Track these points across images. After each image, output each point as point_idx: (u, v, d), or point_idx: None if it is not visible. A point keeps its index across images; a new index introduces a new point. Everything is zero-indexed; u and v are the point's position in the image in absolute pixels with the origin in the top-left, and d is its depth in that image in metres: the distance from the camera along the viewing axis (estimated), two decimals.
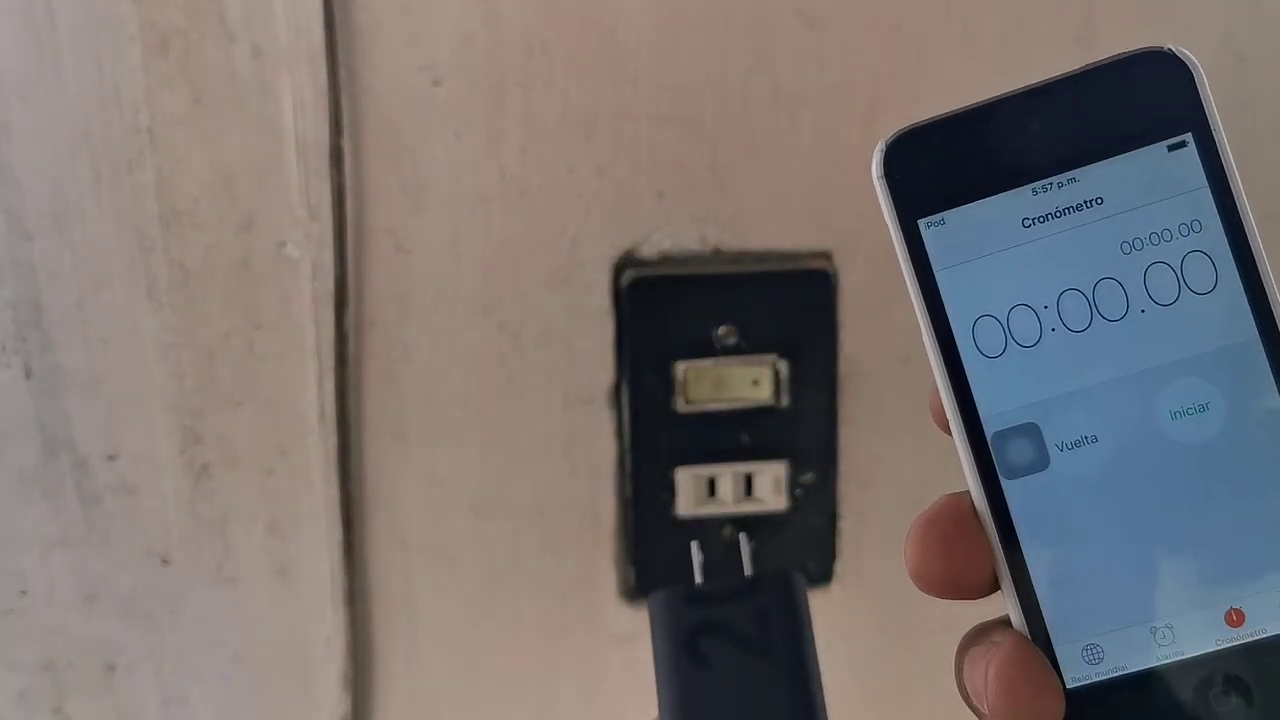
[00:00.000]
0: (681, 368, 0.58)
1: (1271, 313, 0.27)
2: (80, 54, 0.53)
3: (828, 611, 0.62)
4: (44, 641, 0.58)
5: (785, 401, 0.59)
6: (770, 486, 0.60)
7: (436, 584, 0.60)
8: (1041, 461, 0.27)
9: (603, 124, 0.56)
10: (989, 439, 0.28)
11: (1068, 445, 0.27)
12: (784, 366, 0.59)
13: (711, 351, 0.58)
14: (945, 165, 0.28)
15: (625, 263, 0.58)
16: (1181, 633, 0.27)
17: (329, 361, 0.56)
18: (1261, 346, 0.27)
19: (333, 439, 0.57)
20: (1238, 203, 0.27)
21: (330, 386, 0.56)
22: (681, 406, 0.58)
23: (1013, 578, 0.27)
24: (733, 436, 0.59)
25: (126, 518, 0.57)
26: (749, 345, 0.58)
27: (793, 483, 0.60)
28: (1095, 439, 0.27)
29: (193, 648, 0.59)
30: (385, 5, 0.54)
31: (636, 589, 0.60)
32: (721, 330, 0.58)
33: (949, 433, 0.28)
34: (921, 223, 0.28)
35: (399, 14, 0.54)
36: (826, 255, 0.59)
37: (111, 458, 0.57)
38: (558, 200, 0.57)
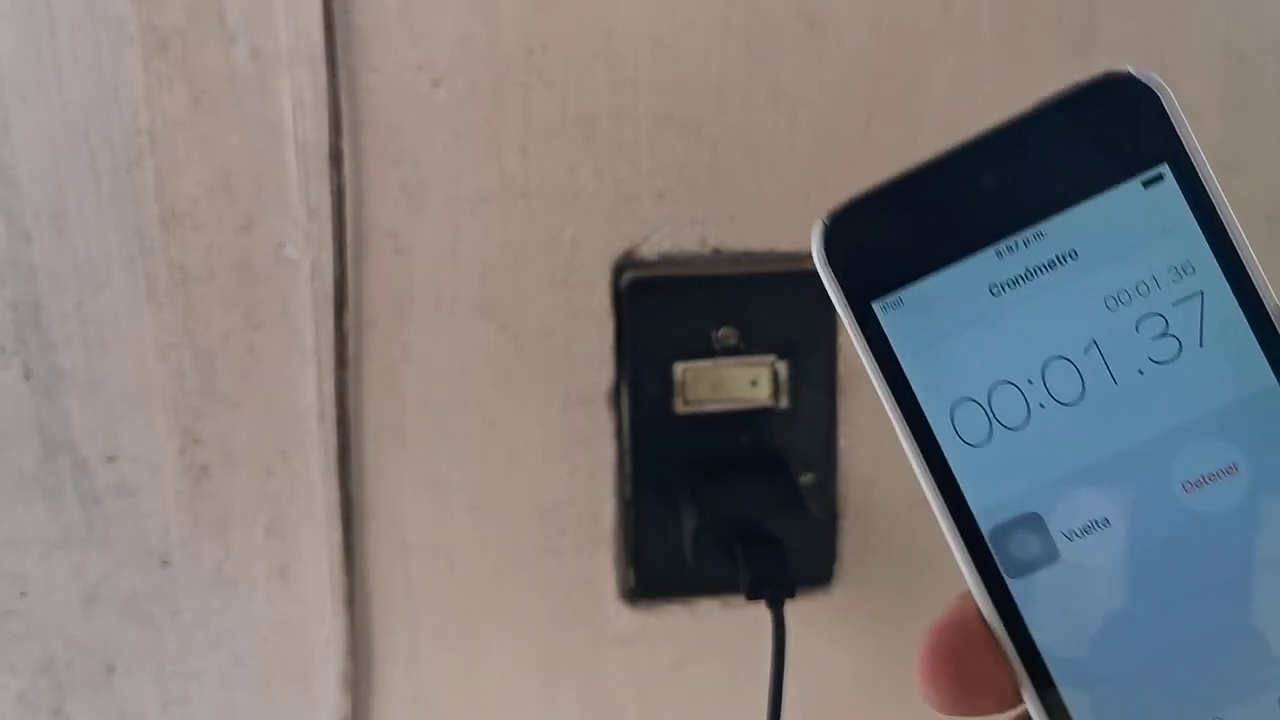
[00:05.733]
0: (680, 368, 0.58)
1: None
2: (80, 54, 0.53)
3: (828, 613, 0.62)
4: (44, 643, 0.58)
5: (784, 402, 0.59)
6: None
7: (436, 584, 0.60)
8: (1049, 554, 0.25)
9: (603, 124, 0.56)
10: (986, 536, 0.25)
11: (1076, 533, 0.25)
12: (783, 367, 0.59)
13: (711, 352, 0.58)
14: (894, 237, 0.25)
15: (625, 263, 0.58)
16: None
17: (328, 362, 0.56)
18: None
19: (332, 440, 0.57)
20: (1231, 235, 0.24)
21: (330, 387, 0.56)
22: (680, 407, 0.58)
23: (1035, 688, 0.25)
24: (732, 437, 0.59)
25: (126, 519, 0.57)
26: (748, 346, 0.58)
27: None
28: (1106, 522, 0.25)
29: (192, 649, 0.59)
30: (385, 6, 0.54)
31: (636, 590, 0.60)
32: (721, 331, 0.58)
33: None
34: (876, 305, 0.25)
35: (399, 14, 0.54)
36: None
37: (111, 459, 0.57)
38: (558, 201, 0.57)
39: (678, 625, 0.61)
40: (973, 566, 0.25)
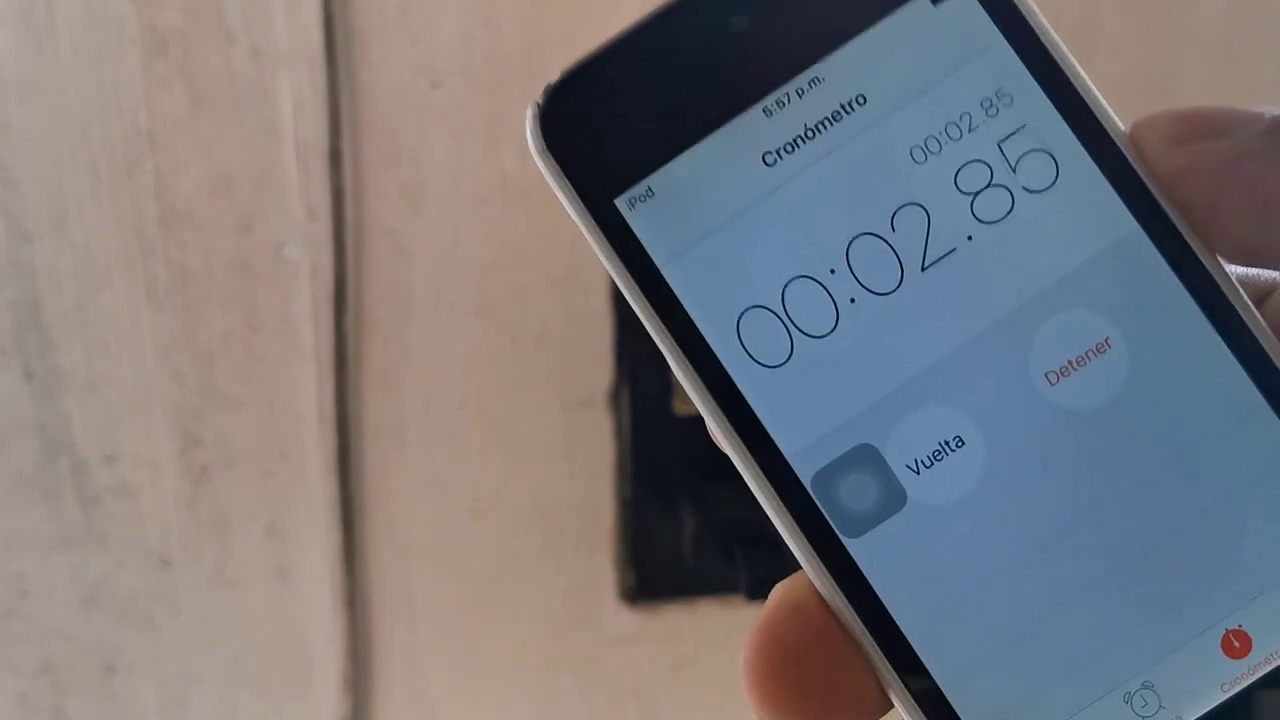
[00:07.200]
0: None
1: (1145, 186, 0.18)
2: (80, 55, 0.53)
3: None
4: (44, 643, 0.58)
5: None
6: None
7: (436, 585, 0.60)
8: (894, 497, 0.19)
9: None
10: (808, 485, 0.19)
11: (923, 463, 0.19)
12: None
13: None
14: (632, 110, 0.20)
15: None
16: (1168, 688, 0.18)
17: (328, 363, 0.56)
18: (1146, 236, 0.18)
19: (332, 440, 0.57)
20: (1050, 49, 0.19)
21: (329, 388, 0.56)
22: (680, 408, 0.58)
23: (903, 682, 0.19)
24: None
25: (126, 519, 0.57)
26: None
27: None
28: (960, 442, 0.19)
29: (192, 650, 0.59)
30: (384, 7, 0.54)
31: (636, 591, 0.60)
32: None
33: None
34: (620, 202, 0.20)
35: (398, 15, 0.54)
36: None
37: (111, 459, 0.57)
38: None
39: (678, 625, 0.61)
40: (796, 530, 0.19)
